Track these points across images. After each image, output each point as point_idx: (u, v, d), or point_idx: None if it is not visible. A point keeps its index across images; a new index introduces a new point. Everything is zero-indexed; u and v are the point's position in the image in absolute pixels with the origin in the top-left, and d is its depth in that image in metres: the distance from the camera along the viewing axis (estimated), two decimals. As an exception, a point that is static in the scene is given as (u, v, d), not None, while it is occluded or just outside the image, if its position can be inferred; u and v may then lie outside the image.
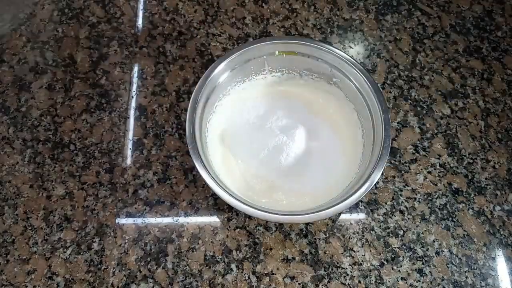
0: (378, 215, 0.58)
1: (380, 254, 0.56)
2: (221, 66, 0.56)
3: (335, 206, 0.47)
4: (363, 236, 0.57)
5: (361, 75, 0.54)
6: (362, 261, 0.55)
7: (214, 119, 0.59)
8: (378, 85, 0.55)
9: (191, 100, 0.53)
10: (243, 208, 0.47)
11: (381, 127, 0.52)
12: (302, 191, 0.55)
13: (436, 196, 0.59)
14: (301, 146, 0.58)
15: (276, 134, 0.59)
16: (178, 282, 0.54)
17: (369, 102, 0.55)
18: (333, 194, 0.52)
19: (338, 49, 0.56)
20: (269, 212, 0.47)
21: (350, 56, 0.55)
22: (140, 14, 0.72)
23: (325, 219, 0.57)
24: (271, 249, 0.56)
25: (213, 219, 0.57)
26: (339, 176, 0.56)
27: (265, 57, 0.58)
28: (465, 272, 0.55)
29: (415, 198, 0.59)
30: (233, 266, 0.55)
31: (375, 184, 0.49)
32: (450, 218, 0.58)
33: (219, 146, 0.58)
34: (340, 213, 0.58)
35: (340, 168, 0.57)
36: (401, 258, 0.56)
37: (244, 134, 0.57)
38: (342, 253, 0.56)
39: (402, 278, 0.55)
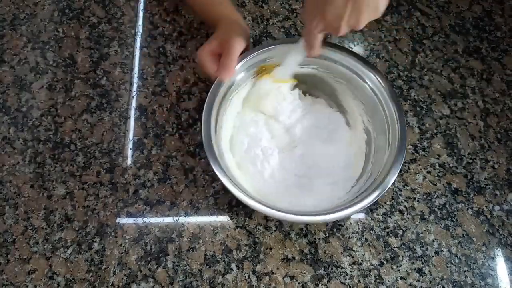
0: (377, 214, 0.58)
1: (379, 253, 0.56)
2: (237, 66, 0.55)
3: (350, 208, 0.47)
4: (363, 235, 0.57)
5: (377, 78, 0.54)
6: (361, 260, 0.55)
7: (226, 121, 0.58)
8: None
9: (206, 101, 0.53)
10: (265, 211, 0.47)
11: (397, 131, 0.51)
12: (314, 192, 0.55)
13: (436, 196, 0.59)
14: (313, 147, 0.58)
15: (287, 136, 0.59)
16: (178, 281, 0.54)
17: (385, 105, 0.54)
18: (345, 196, 0.52)
19: (353, 52, 0.55)
20: (295, 214, 0.47)
21: (366, 58, 0.55)
22: (141, 14, 0.72)
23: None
24: (271, 248, 0.56)
25: (213, 219, 0.58)
26: (351, 178, 0.56)
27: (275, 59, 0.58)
28: (465, 271, 0.55)
29: (415, 198, 0.59)
30: (233, 265, 0.55)
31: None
32: (450, 218, 0.58)
33: (231, 150, 0.58)
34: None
35: (352, 170, 0.57)
36: (400, 258, 0.56)
37: (253, 135, 0.57)
38: (341, 253, 0.56)
39: (401, 278, 0.55)
